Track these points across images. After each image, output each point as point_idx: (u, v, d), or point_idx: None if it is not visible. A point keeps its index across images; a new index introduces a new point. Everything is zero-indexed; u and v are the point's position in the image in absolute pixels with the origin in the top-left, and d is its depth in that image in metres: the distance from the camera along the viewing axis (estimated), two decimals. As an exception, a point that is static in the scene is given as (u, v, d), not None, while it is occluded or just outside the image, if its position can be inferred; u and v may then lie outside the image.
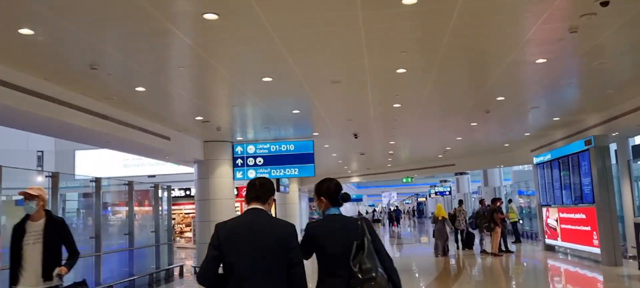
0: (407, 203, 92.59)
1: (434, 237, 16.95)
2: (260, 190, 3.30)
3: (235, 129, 13.58)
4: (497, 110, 12.33)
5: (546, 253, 15.84)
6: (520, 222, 21.33)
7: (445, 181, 47.75)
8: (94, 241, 10.73)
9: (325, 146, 17.08)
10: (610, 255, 12.14)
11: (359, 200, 55.59)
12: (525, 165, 27.16)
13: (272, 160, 14.88)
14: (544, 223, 16.41)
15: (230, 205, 14.88)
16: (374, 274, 3.16)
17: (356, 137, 14.97)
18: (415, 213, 71.83)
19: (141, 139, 11.05)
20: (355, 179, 30.20)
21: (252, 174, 14.89)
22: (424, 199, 65.71)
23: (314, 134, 14.48)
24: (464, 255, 16.44)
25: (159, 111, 10.74)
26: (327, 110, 11.72)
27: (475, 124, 13.90)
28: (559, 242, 15.34)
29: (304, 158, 14.90)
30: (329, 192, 3.50)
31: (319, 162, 23.24)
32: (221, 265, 3.16)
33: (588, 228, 13.13)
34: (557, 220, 15.31)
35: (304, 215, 41.56)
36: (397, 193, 66.33)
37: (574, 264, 13.17)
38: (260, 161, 14.89)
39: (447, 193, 44.18)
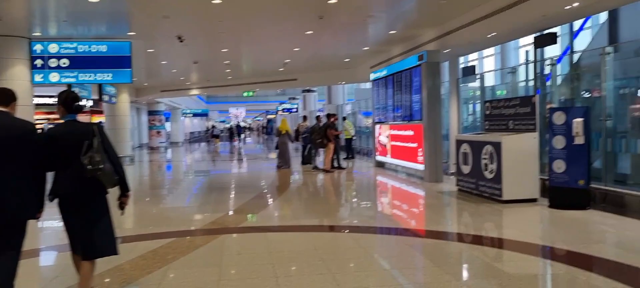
0: (259, 120, 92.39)
1: (276, 148, 16.90)
2: (1, 96, 3.87)
3: (32, 21, 11.27)
4: (332, 18, 11.41)
5: (376, 169, 15.83)
6: (354, 138, 21.34)
7: (293, 99, 47.62)
8: None
9: (150, 50, 15.14)
10: (432, 172, 12.17)
11: (204, 115, 53.59)
12: (368, 84, 27.37)
13: (79, 62, 12.75)
14: (376, 140, 16.34)
15: (28, 112, 12.61)
16: (101, 166, 3.94)
17: (181, 41, 13.29)
18: (266, 130, 71.69)
19: None
20: (195, 91, 28.38)
21: (55, 78, 12.72)
22: (274, 116, 65.57)
23: (130, 33, 12.54)
24: (301, 171, 15.91)
25: None
26: (138, 3, 9.94)
27: (311, 32, 12.93)
28: (388, 159, 15.34)
29: (119, 62, 12.96)
30: (65, 101, 4.12)
31: (147, 71, 21.26)
32: None
33: (415, 145, 13.07)
34: (388, 137, 15.22)
35: (143, 131, 38.97)
36: (246, 110, 65.19)
37: (399, 180, 13.12)
38: (65, 63, 12.69)
39: (294, 110, 44.01)
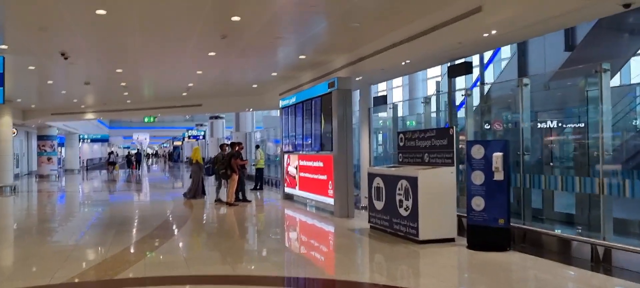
0: (165, 146, 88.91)
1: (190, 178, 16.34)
2: None
3: None
4: (236, 38, 10.43)
5: (284, 202, 14.84)
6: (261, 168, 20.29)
7: (201, 125, 45.96)
8: None
9: (31, 68, 13.37)
10: (343, 207, 11.34)
11: (105, 140, 50.42)
12: (277, 111, 26.51)
13: (-62, 77, 10.88)
14: (285, 171, 15.39)
15: None
16: None
17: (65, 58, 11.74)
18: (172, 157, 68.90)
19: None
20: (91, 115, 26.17)
21: None
22: (180, 143, 63.09)
23: (2, 46, 10.86)
24: (203, 204, 14.59)
25: None
26: (8, 10, 8.47)
27: (214, 53, 11.85)
28: (297, 191, 14.41)
29: (-13, 79, 11.18)
30: None
31: (32, 91, 19.14)
32: None
33: (324, 177, 12.23)
34: (296, 168, 14.32)
35: (32, 158, 35.65)
36: (151, 136, 62.26)
37: (308, 215, 12.22)
38: None
39: (201, 137, 42.30)
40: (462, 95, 9.77)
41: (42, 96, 21.02)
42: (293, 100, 14.55)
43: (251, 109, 23.61)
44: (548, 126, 9.36)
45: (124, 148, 75.28)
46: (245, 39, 10.64)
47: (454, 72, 9.90)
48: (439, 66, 17.91)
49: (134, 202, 16.88)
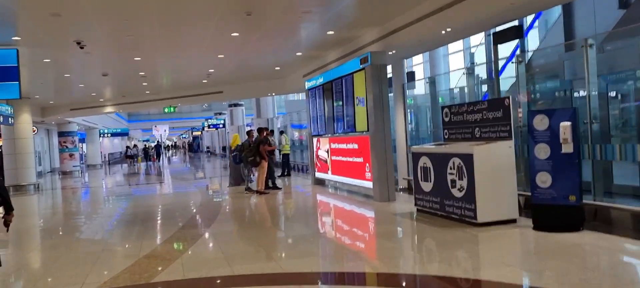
0: (184, 137, 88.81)
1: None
2: None
3: None
4: (262, 14, 9.71)
5: (316, 188, 14.19)
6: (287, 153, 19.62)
7: (219, 114, 45.38)
8: None
9: (46, 60, 12.81)
10: (383, 190, 10.64)
11: (124, 134, 50.16)
12: (300, 94, 25.82)
13: (-49, 74, 10.37)
14: (314, 155, 14.71)
15: None
16: None
17: (81, 47, 11.14)
18: (191, 147, 68.74)
19: None
20: (110, 109, 25.72)
21: None
22: (199, 133, 62.77)
23: (16, 38, 10.28)
24: (232, 193, 14.02)
25: None
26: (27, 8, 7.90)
27: (237, 34, 11.14)
28: (329, 176, 13.74)
29: (3, 74, 10.65)
30: None
31: (49, 85, 18.66)
32: None
33: (360, 159, 11.53)
34: (327, 152, 13.64)
35: (54, 155, 35.42)
36: (170, 127, 61.98)
37: (345, 200, 11.56)
38: None
39: (221, 126, 41.75)
40: (513, 62, 8.95)
41: (60, 91, 20.55)
42: (320, 81, 13.82)
43: (273, 94, 22.94)
44: (609, 92, 8.51)
45: (144, 141, 75.36)
46: (271, 15, 9.93)
47: (501, 38, 9.07)
48: (461, 40, 17.02)
49: (160, 195, 16.36)
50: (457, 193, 7.64)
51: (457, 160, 7.64)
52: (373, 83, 10.67)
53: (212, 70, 16.49)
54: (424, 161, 8.57)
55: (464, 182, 7.45)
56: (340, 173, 12.91)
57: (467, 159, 7.40)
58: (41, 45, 11.12)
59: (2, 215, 4.58)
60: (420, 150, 8.87)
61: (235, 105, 36.56)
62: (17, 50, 10.56)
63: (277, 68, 16.77)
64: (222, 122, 41.44)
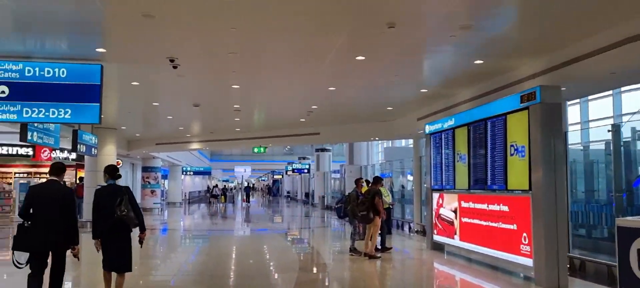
0: (263, 180, 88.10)
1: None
2: (53, 171, 6.16)
3: None
4: (405, 31, 7.41)
5: (435, 255, 11.50)
6: (391, 207, 16.98)
7: (304, 158, 43.64)
8: None
9: (134, 83, 11.11)
10: (551, 272, 7.84)
11: (207, 173, 49.37)
12: (407, 140, 23.29)
13: (25, 91, 8.73)
14: (435, 214, 12.06)
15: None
16: (126, 212, 6.14)
17: (174, 66, 9.29)
18: (271, 191, 67.49)
19: None
20: (196, 145, 24.29)
21: (-13, 113, 8.66)
22: (280, 177, 61.40)
23: (100, 50, 8.54)
24: (334, 255, 11.62)
25: None
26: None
27: (363, 57, 8.88)
28: (455, 241, 11.02)
29: (82, 93, 8.87)
30: (111, 172, 6.47)
31: (137, 116, 17.24)
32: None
33: (512, 226, 8.80)
34: (455, 211, 10.98)
35: (136, 190, 34.46)
36: (252, 169, 61.02)
37: (486, 277, 8.86)
38: (3, 92, 8.69)
39: (306, 171, 39.80)
40: None
41: (147, 123, 19.22)
42: (450, 124, 11.28)
43: (377, 139, 20.59)
44: None
45: (223, 181, 75.18)
46: (413, 34, 7.62)
47: None
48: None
49: (258, 249, 14.17)
50: None
51: None
52: (542, 127, 8.02)
53: (315, 107, 14.36)
54: (653, 242, 5.76)
55: None
56: (474, 240, 10.18)
57: None
58: (129, 60, 9.37)
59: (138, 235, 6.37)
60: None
61: (322, 150, 34.61)
62: (102, 66, 8.81)
63: (389, 108, 14.42)
64: (307, 166, 39.49)
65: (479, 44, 8.16)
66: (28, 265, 5.84)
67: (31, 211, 5.85)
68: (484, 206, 9.79)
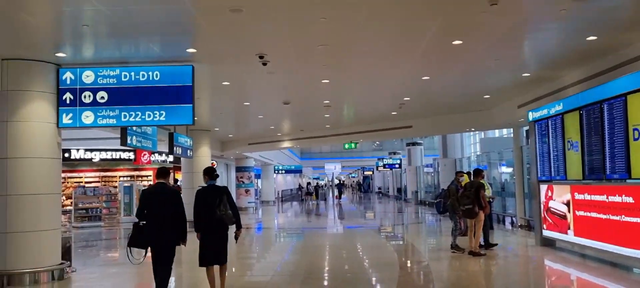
0: (353, 177, 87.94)
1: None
2: (160, 174, 6.83)
3: (60, 38, 7.73)
4: (510, 7, 6.76)
5: (546, 252, 10.62)
6: (491, 200, 15.99)
7: (394, 153, 42.95)
8: None
9: (225, 83, 11.13)
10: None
11: (298, 171, 49.85)
12: (504, 131, 22.19)
13: (122, 96, 8.92)
14: (544, 207, 11.16)
15: (50, 169, 8.91)
16: (226, 211, 6.73)
17: (264, 63, 9.14)
18: (361, 187, 67.20)
19: None
20: (287, 144, 24.42)
21: (88, 119, 8.97)
22: (371, 173, 60.95)
23: (191, 50, 8.53)
24: (432, 251, 11.06)
25: None
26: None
27: (460, 41, 8.27)
28: (569, 237, 10.09)
29: (175, 95, 8.93)
30: (210, 173, 7.04)
31: (229, 117, 17.47)
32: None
33: (638, 219, 7.87)
34: (567, 204, 10.06)
35: (231, 190, 35.27)
36: (342, 166, 61.02)
37: (611, 277, 7.97)
38: (102, 98, 8.91)
39: (397, 166, 39.10)
40: None
41: (238, 124, 19.48)
42: (558, 109, 10.35)
43: (474, 129, 19.66)
44: None
45: (314, 178, 75.84)
46: (522, 7, 6.93)
47: None
48: None
49: (347, 243, 13.89)
50: None
51: None
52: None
53: (408, 99, 13.81)
54: None
55: None
56: (592, 236, 9.25)
57: None
58: (219, 60, 9.33)
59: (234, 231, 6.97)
60: None
61: (414, 144, 33.78)
62: (193, 67, 8.82)
63: (486, 96, 13.59)
64: (399, 161, 38.78)
65: (593, 17, 7.33)
66: (143, 260, 6.75)
67: (145, 212, 6.54)
68: (602, 197, 8.85)
